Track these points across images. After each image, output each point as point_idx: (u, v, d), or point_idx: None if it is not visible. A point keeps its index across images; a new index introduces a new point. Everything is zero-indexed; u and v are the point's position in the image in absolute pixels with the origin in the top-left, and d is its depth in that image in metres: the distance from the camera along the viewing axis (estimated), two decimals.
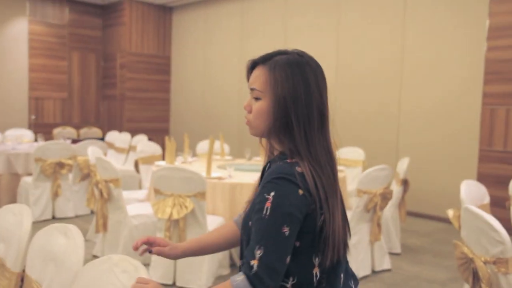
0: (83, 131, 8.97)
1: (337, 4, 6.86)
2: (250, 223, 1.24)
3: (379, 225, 3.77)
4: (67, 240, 1.52)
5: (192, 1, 9.20)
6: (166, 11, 9.73)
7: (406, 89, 6.11)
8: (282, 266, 1.16)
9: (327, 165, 1.25)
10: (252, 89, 1.31)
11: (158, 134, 9.53)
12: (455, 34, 5.66)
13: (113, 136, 7.40)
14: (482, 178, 5.38)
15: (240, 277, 1.16)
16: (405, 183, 4.43)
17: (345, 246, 1.31)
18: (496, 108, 5.30)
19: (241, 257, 1.31)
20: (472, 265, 2.16)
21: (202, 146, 5.84)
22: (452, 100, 5.68)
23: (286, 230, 1.15)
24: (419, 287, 3.63)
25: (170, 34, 9.82)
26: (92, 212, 5.68)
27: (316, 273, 1.22)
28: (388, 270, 3.93)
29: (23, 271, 1.69)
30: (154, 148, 5.44)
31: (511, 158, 5.19)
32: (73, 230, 1.55)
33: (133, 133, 8.25)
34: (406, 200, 4.62)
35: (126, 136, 7.02)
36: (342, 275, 1.32)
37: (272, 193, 1.17)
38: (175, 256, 1.44)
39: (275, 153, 1.34)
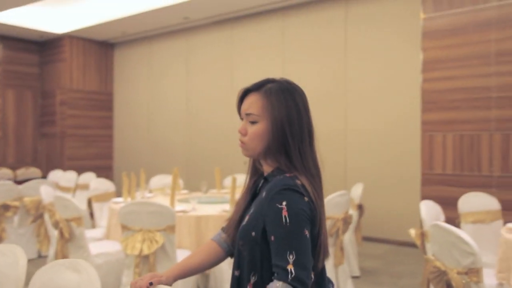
0: (21, 171, 8.56)
1: (281, 38, 7.16)
2: (253, 233, 1.33)
3: (342, 249, 3.92)
4: (79, 275, 1.51)
5: (135, 38, 9.21)
6: (108, 47, 9.66)
7: (351, 119, 6.44)
8: (311, 266, 1.27)
9: (316, 177, 1.41)
10: (248, 114, 1.43)
11: (101, 171, 9.28)
12: (394, 67, 6.10)
13: (57, 175, 7.14)
14: (425, 200, 5.72)
15: (278, 284, 1.22)
16: (360, 208, 4.64)
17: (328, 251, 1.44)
18: (434, 134, 5.72)
19: (237, 267, 1.39)
20: (445, 277, 2.33)
21: (156, 181, 5.79)
22: (395, 128, 6.06)
23: (306, 233, 1.28)
24: None
25: (112, 70, 9.73)
26: (40, 256, 5.42)
27: (311, 276, 1.29)
28: None
29: None
30: (107, 185, 5.33)
31: (449, 180, 5.58)
32: (84, 264, 1.54)
33: (76, 171, 7.99)
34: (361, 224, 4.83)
35: (71, 174, 6.80)
36: (326, 279, 1.46)
37: (284, 203, 1.28)
38: (171, 282, 1.44)
39: (266, 171, 1.45)
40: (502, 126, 5.28)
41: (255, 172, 1.53)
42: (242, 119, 1.47)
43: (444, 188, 5.60)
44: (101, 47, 9.52)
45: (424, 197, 5.76)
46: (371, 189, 6.16)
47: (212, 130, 8.09)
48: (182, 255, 3.56)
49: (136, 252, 3.26)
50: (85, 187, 6.20)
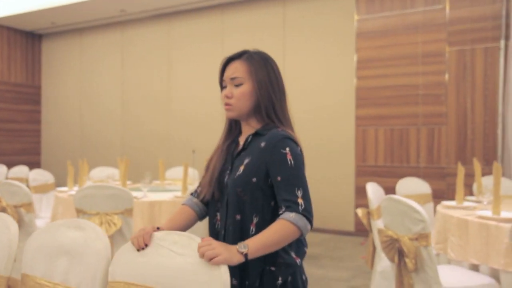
0: None
1: (221, 34, 7.29)
2: (254, 179, 1.50)
3: None
4: (83, 232, 1.55)
5: (65, 29, 8.91)
6: (35, 38, 9.25)
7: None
8: None
9: (293, 131, 1.65)
10: (233, 78, 1.60)
11: (28, 167, 8.84)
12: (330, 66, 6.44)
13: None
14: (359, 190, 6.12)
15: (292, 214, 1.42)
16: None
17: None
18: (366, 128, 6.12)
19: (237, 212, 1.52)
20: (397, 245, 2.58)
21: (97, 172, 5.67)
22: (330, 123, 6.40)
23: (305, 173, 1.53)
24: (329, 285, 4.03)
25: (40, 62, 9.33)
26: None
27: None
28: None
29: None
30: (47, 176, 5.16)
31: (381, 171, 6.01)
32: (86, 222, 1.59)
33: None
34: None
35: (1, 168, 6.47)
36: None
37: (287, 148, 1.51)
38: None
39: (251, 128, 1.63)
40: (428, 121, 5.77)
41: (229, 136, 1.70)
42: (224, 87, 1.64)
43: (376, 179, 6.01)
44: (27, 38, 9.09)
45: (358, 187, 6.15)
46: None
47: (148, 124, 8.03)
48: None
49: None
50: (19, 180, 5.93)
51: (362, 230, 6.09)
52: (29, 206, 3.52)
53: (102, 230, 1.55)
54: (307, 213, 1.45)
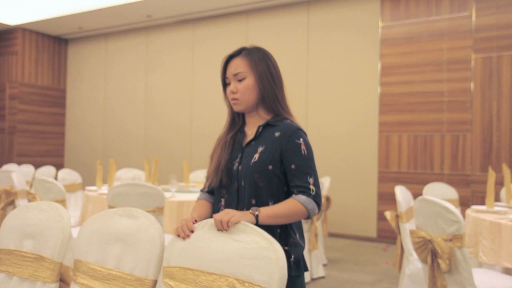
0: None
1: (245, 41, 7.37)
2: (270, 167, 1.63)
3: (316, 235, 4.14)
4: (136, 220, 1.61)
5: (90, 34, 9.08)
6: (62, 42, 9.44)
7: (311, 120, 6.73)
8: None
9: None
10: (236, 74, 1.72)
11: None
12: (354, 72, 6.47)
13: (11, 168, 6.89)
14: (381, 196, 6.11)
15: (303, 197, 1.60)
16: (327, 200, 4.90)
17: None
18: (390, 135, 6.12)
19: (253, 197, 1.64)
20: (430, 246, 2.59)
21: (123, 173, 5.77)
22: (354, 129, 6.42)
23: (315, 162, 1.69)
24: None
25: (66, 66, 9.51)
26: None
27: None
28: (323, 277, 4.30)
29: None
30: (74, 176, 5.27)
31: (404, 177, 6.00)
32: (139, 211, 1.64)
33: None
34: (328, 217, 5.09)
35: (27, 168, 6.60)
36: None
37: (301, 139, 1.65)
38: None
39: (260, 119, 1.75)
40: (452, 128, 5.76)
41: (233, 128, 1.81)
42: (228, 83, 1.77)
43: (399, 185, 5.99)
44: (54, 42, 9.29)
45: (380, 193, 6.14)
46: (331, 187, 6.46)
47: (170, 127, 8.12)
48: (167, 238, 3.63)
49: None
50: None
51: (383, 236, 6.07)
52: (63, 202, 3.60)
53: (154, 218, 1.61)
54: (317, 198, 1.62)
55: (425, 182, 5.67)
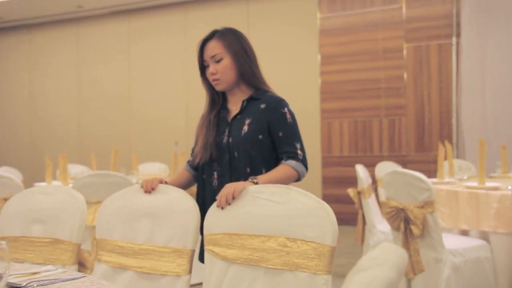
0: None
1: (183, 31, 7.32)
2: (260, 136, 1.77)
3: None
4: (165, 194, 1.62)
5: (11, 25, 8.53)
6: None
7: None
8: None
9: None
10: (213, 56, 1.82)
11: None
12: (295, 62, 6.67)
13: None
14: (325, 180, 6.39)
15: (293, 162, 1.76)
16: None
17: None
18: (331, 121, 6.41)
19: (248, 165, 1.76)
20: (403, 214, 2.81)
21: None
22: (296, 117, 6.60)
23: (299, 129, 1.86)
24: None
25: None
26: None
27: None
28: None
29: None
30: (16, 174, 4.99)
31: (346, 161, 6.31)
32: (163, 185, 1.66)
33: None
34: None
35: None
36: None
37: (286, 109, 1.82)
38: None
39: (242, 94, 1.87)
40: (389, 113, 6.15)
41: (214, 107, 1.91)
42: (207, 66, 1.85)
43: (342, 169, 6.31)
44: None
45: (324, 177, 6.42)
46: None
47: (107, 123, 7.88)
48: None
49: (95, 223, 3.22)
50: None
51: None
52: None
53: (180, 192, 1.63)
54: (304, 162, 1.80)
55: (366, 165, 5.98)
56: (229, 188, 1.52)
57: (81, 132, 8.07)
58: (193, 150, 1.92)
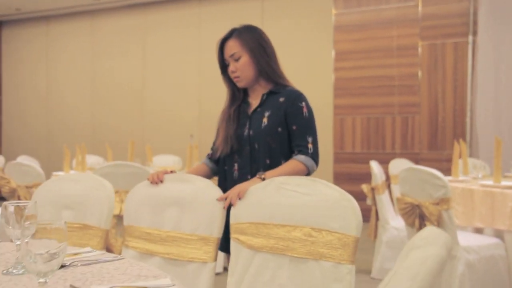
0: None
1: (198, 25, 7.36)
2: (279, 129, 1.83)
3: None
4: (191, 184, 1.67)
5: (29, 16, 8.62)
6: None
7: None
8: None
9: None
10: (232, 55, 1.89)
11: None
12: (309, 57, 6.69)
13: None
14: (337, 176, 6.41)
15: (302, 156, 1.79)
16: None
17: None
18: (344, 117, 6.43)
19: (268, 157, 1.82)
20: (418, 210, 2.84)
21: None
22: None
23: (315, 124, 1.90)
24: None
25: (0, 50, 8.96)
26: None
27: None
28: None
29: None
30: (35, 163, 5.07)
31: (358, 157, 6.33)
32: (190, 176, 1.71)
33: None
34: None
35: None
36: None
37: (303, 103, 1.87)
38: None
39: (263, 88, 1.93)
40: (402, 110, 6.15)
41: (234, 102, 1.97)
42: (228, 64, 1.92)
43: (353, 165, 6.33)
44: None
45: (336, 173, 6.44)
46: None
47: (120, 114, 7.95)
48: None
49: (117, 212, 3.28)
50: None
51: None
52: None
53: (208, 182, 1.68)
54: (315, 156, 1.83)
55: (378, 161, 6.01)
56: (236, 189, 1.58)
57: (95, 123, 8.16)
58: (214, 144, 1.98)
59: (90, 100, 8.20)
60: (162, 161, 5.72)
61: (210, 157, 2.00)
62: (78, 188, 1.83)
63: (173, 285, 0.89)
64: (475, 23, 5.85)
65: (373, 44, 6.32)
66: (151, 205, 1.69)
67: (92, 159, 5.71)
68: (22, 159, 5.04)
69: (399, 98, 6.16)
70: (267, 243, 1.46)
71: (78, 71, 8.30)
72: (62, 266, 1.06)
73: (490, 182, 3.19)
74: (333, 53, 6.50)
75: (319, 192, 1.45)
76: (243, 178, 1.80)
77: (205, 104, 7.24)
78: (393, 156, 6.09)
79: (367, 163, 3.93)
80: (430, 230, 0.68)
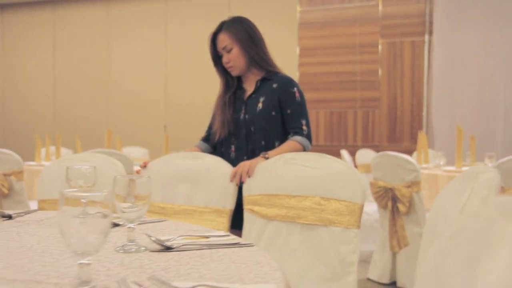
0: None
1: (164, 14, 7.37)
2: (273, 113, 1.99)
3: None
4: (202, 161, 1.79)
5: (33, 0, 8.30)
6: None
7: None
8: None
9: None
10: (223, 48, 2.04)
11: None
12: (274, 53, 6.84)
13: None
14: None
15: (298, 137, 1.97)
16: None
17: None
18: (308, 111, 6.63)
19: (263, 139, 1.97)
20: (390, 193, 3.06)
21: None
22: None
23: (306, 106, 2.11)
24: None
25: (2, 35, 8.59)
26: None
27: None
28: None
29: None
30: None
31: (321, 150, 6.50)
32: (201, 153, 1.82)
33: None
34: None
35: None
36: None
37: (295, 88, 2.06)
38: None
39: (255, 76, 2.09)
40: (364, 105, 6.45)
41: (228, 89, 2.12)
42: (221, 55, 2.08)
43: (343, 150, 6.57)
44: None
45: None
46: None
47: (83, 107, 7.84)
48: None
49: None
50: None
51: None
52: (20, 174, 3.48)
53: (218, 158, 1.80)
54: (309, 137, 2.02)
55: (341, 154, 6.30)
56: (243, 166, 1.71)
57: (57, 116, 7.99)
58: (209, 127, 2.11)
59: (51, 94, 8.02)
60: (131, 152, 5.73)
61: (204, 140, 2.13)
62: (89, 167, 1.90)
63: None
64: (431, 23, 6.22)
65: (336, 41, 6.57)
66: (164, 182, 1.79)
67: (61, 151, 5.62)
68: None
69: (361, 93, 6.45)
70: (279, 212, 1.60)
71: (38, 63, 8.09)
72: (169, 248, 0.95)
73: (452, 168, 3.47)
74: (297, 49, 6.71)
75: (326, 166, 1.61)
76: (239, 158, 1.94)
77: (172, 95, 7.28)
78: (355, 148, 6.37)
79: (331, 155, 4.14)
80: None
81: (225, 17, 6.31)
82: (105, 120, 7.73)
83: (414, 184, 2.96)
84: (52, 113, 8.05)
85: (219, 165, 1.75)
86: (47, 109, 8.09)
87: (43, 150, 5.57)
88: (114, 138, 6.75)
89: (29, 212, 1.42)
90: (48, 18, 8.09)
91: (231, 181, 1.70)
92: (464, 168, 3.43)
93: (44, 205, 1.94)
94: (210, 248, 0.91)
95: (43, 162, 4.51)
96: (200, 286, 0.64)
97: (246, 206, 1.67)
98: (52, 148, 5.72)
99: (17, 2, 8.13)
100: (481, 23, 5.97)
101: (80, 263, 0.64)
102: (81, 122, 7.80)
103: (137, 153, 5.76)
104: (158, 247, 0.93)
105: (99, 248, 0.65)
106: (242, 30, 2.06)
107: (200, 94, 7.07)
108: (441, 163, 3.85)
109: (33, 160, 4.86)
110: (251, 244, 0.97)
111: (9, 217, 1.30)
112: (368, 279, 3.31)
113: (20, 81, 8.24)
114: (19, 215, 1.35)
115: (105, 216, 0.65)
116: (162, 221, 1.27)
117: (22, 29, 8.22)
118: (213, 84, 7.39)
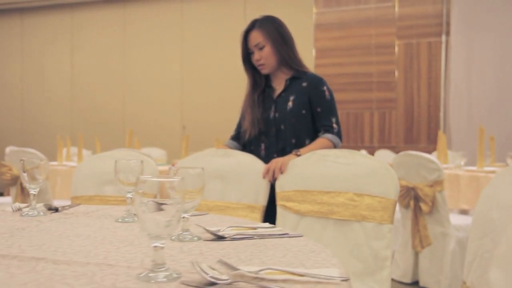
0: None
1: (180, 19, 7.44)
2: (303, 111, 2.03)
3: None
4: (234, 158, 1.82)
5: (3, 8, 8.46)
6: None
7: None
8: None
9: None
10: (256, 45, 2.08)
11: None
12: None
13: None
14: None
15: (329, 135, 2.01)
16: None
17: None
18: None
19: (293, 136, 2.02)
20: (412, 192, 3.07)
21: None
22: None
23: (336, 105, 2.15)
24: None
25: None
26: None
27: None
28: None
29: None
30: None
31: None
32: (233, 151, 1.86)
33: None
34: None
35: None
36: None
37: (325, 87, 2.13)
38: None
39: (284, 74, 2.14)
40: (380, 106, 6.45)
41: (256, 88, 2.17)
42: (252, 53, 2.11)
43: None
44: None
45: None
46: None
47: (100, 109, 7.93)
48: None
49: None
50: None
51: None
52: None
53: (249, 156, 1.84)
54: (339, 134, 2.06)
55: None
56: (276, 163, 1.74)
57: (74, 117, 8.10)
58: (238, 125, 2.15)
59: (69, 95, 8.12)
60: (150, 153, 5.78)
61: (233, 139, 2.16)
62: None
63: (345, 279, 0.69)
64: (448, 24, 6.21)
65: (352, 42, 6.58)
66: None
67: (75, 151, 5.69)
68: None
69: (377, 94, 6.45)
70: (312, 208, 1.63)
71: (57, 65, 8.21)
72: (221, 238, 0.97)
73: (473, 168, 3.47)
74: (313, 50, 6.73)
75: (358, 162, 1.63)
76: (269, 156, 1.97)
77: (189, 96, 7.34)
78: (372, 149, 6.38)
79: (360, 151, 4.16)
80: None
81: (240, 19, 6.40)
82: (123, 121, 7.81)
83: (437, 183, 2.97)
84: (70, 115, 8.16)
85: (251, 162, 1.79)
86: (65, 110, 8.19)
87: (63, 151, 5.65)
88: (132, 140, 6.85)
89: (72, 206, 1.46)
90: (66, 22, 8.21)
91: (264, 177, 1.73)
92: (487, 168, 3.43)
93: (77, 201, 1.98)
94: (262, 238, 0.95)
95: (64, 162, 4.57)
96: (268, 269, 0.67)
97: (279, 202, 1.70)
98: (73, 149, 5.81)
99: (37, 6, 8.26)
100: (498, 23, 5.94)
101: (155, 246, 0.67)
102: (98, 123, 7.89)
103: (155, 154, 5.81)
104: (211, 236, 0.97)
105: (172, 232, 0.68)
106: (274, 29, 2.09)
107: (217, 94, 7.13)
108: (462, 163, 3.85)
109: (52, 160, 4.93)
110: (300, 235, 1.00)
111: (56, 210, 1.34)
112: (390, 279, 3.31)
113: (39, 83, 8.36)
114: (64, 208, 1.40)
115: (178, 202, 0.68)
116: (205, 214, 1.30)
117: (41, 33, 8.35)
118: (230, 84, 7.49)
